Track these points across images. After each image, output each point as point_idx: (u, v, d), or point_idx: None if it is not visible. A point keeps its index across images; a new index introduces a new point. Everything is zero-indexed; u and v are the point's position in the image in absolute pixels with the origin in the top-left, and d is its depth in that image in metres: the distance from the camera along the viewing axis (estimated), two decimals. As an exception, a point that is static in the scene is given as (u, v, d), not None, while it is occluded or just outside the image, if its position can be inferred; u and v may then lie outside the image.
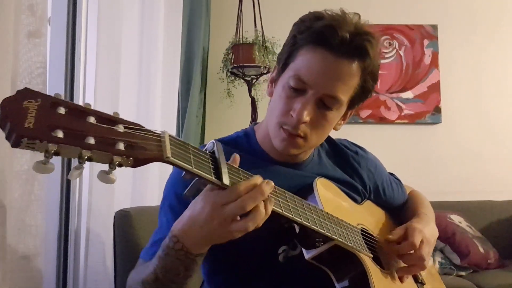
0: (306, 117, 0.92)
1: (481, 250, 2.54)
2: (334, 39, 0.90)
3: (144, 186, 2.08)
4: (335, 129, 1.03)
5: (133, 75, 2.06)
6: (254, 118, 2.82)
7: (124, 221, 1.65)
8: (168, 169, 2.70)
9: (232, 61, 2.77)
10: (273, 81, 1.03)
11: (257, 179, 0.76)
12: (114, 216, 1.68)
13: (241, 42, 2.77)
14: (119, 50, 1.85)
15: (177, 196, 0.96)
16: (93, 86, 1.72)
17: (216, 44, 2.97)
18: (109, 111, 0.62)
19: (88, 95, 1.77)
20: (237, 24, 2.87)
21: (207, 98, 2.89)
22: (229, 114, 3.05)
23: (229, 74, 2.84)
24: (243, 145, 1.05)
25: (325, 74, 0.92)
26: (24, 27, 1.18)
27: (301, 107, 0.92)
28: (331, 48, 0.91)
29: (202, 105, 2.76)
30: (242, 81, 2.84)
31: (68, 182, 1.68)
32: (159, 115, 2.25)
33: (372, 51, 0.94)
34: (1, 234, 1.08)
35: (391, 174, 1.30)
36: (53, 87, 1.63)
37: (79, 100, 1.75)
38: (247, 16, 2.88)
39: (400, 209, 1.26)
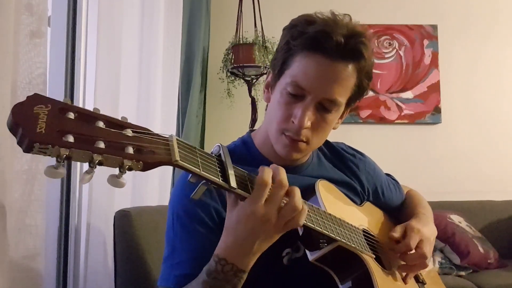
0: (307, 122, 0.93)
1: (481, 250, 2.54)
2: (329, 44, 0.90)
3: (144, 186, 2.08)
4: (333, 128, 1.04)
5: (133, 75, 2.06)
6: (254, 118, 2.82)
7: (124, 221, 1.65)
8: (168, 170, 2.66)
9: (232, 61, 2.77)
10: (269, 87, 1.04)
11: (267, 176, 0.76)
12: (114, 216, 1.68)
13: (241, 42, 2.77)
14: (119, 50, 1.85)
15: (188, 213, 0.94)
16: (93, 86, 1.72)
17: (216, 44, 2.97)
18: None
19: (88, 95, 1.77)
20: (237, 24, 2.87)
21: (207, 98, 2.89)
22: (229, 114, 3.06)
23: (229, 74, 2.84)
24: (242, 154, 1.05)
25: (322, 79, 0.92)
26: (24, 27, 1.17)
27: (302, 113, 0.92)
28: (326, 52, 0.91)
29: (202, 105, 2.76)
30: (242, 81, 2.84)
31: (68, 182, 1.68)
32: (159, 115, 2.25)
33: (367, 52, 0.94)
34: (1, 234, 1.08)
35: (387, 175, 1.31)
36: (53, 87, 1.62)
37: (79, 100, 1.76)
38: (247, 16, 2.88)
39: (398, 209, 1.28)
